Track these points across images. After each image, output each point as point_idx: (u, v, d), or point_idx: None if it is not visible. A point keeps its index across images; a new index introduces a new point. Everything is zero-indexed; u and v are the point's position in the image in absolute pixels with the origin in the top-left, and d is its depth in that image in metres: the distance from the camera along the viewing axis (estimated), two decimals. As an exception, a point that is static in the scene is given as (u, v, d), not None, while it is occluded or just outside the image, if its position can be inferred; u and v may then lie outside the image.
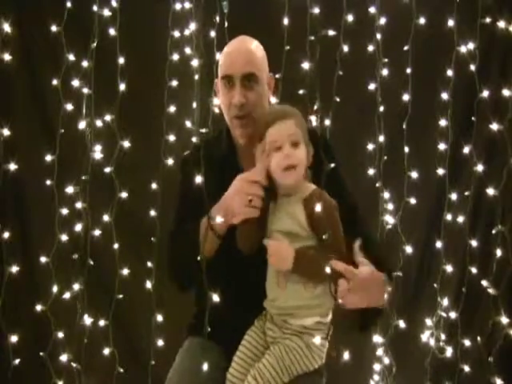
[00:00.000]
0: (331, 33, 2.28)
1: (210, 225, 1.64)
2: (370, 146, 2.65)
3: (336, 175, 1.77)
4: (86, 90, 2.53)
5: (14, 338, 2.37)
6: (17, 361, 2.39)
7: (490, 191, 2.31)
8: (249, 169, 1.82)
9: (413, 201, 2.67)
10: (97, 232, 2.63)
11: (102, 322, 2.60)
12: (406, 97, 2.59)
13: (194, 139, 2.59)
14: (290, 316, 1.64)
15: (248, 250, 1.70)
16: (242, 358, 1.67)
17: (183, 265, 1.77)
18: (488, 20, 2.57)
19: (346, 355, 2.40)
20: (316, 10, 2.22)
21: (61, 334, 2.55)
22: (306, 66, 2.03)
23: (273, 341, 1.67)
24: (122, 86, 2.49)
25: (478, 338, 2.60)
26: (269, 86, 1.87)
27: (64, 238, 2.52)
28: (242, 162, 1.86)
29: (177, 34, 2.58)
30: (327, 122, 2.40)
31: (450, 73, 2.58)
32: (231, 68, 1.80)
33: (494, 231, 2.38)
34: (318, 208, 1.55)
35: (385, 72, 2.59)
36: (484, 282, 2.54)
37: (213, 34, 2.37)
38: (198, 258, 1.61)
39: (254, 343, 1.70)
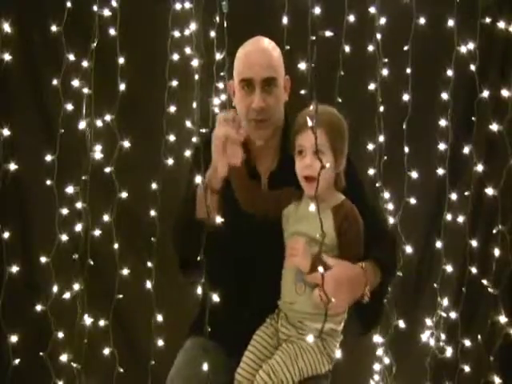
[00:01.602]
0: (331, 33, 2.28)
1: (205, 185, 1.62)
2: (370, 146, 2.65)
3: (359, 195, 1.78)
4: (86, 90, 2.54)
5: (14, 338, 2.37)
6: (17, 361, 2.39)
7: (490, 191, 2.31)
8: (261, 166, 1.84)
9: (413, 201, 2.67)
10: (97, 232, 2.64)
11: (102, 322, 2.60)
12: (405, 97, 2.59)
13: (194, 139, 2.59)
14: (307, 319, 1.64)
15: (250, 207, 1.69)
16: (252, 359, 1.67)
17: (188, 242, 1.69)
18: (488, 20, 2.57)
19: (346, 355, 2.41)
20: (316, 10, 2.22)
21: (61, 334, 2.55)
22: (305, 66, 2.03)
23: (287, 338, 1.66)
24: (122, 86, 2.49)
25: (479, 337, 2.59)
26: (285, 88, 1.85)
27: (64, 238, 2.52)
28: (254, 157, 1.85)
29: (177, 34, 2.58)
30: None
31: (450, 73, 2.57)
32: (251, 71, 1.77)
33: (494, 231, 2.38)
34: (347, 218, 1.59)
35: (385, 72, 2.59)
36: (484, 281, 2.54)
37: (213, 33, 2.38)
38: (198, 258, 1.60)
39: (264, 343, 1.69)
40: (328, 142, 1.60)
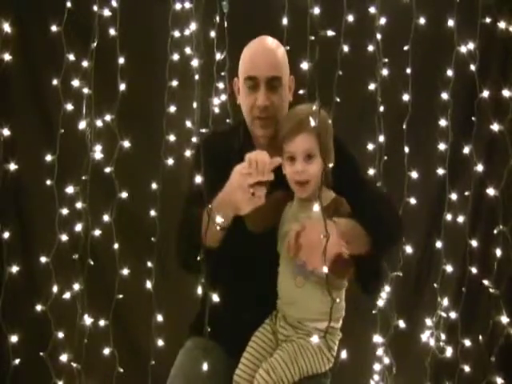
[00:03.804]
0: (331, 33, 2.28)
1: (210, 217, 1.58)
2: (370, 146, 2.64)
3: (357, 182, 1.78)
4: (86, 90, 2.53)
5: (14, 338, 2.38)
6: (17, 361, 2.40)
7: (491, 191, 2.31)
8: None
9: (413, 201, 2.67)
10: (97, 232, 2.64)
11: (102, 322, 2.60)
12: (405, 97, 2.59)
13: (194, 139, 2.59)
14: (306, 319, 1.64)
15: (260, 231, 1.68)
16: (250, 360, 1.67)
17: (189, 251, 1.69)
18: (488, 20, 2.57)
19: (346, 355, 2.41)
20: (316, 10, 2.22)
21: (61, 334, 2.55)
22: (305, 66, 2.03)
23: (285, 339, 1.67)
24: (122, 86, 2.49)
25: (480, 338, 2.59)
26: (289, 87, 1.88)
27: (64, 238, 2.52)
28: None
29: (177, 34, 2.58)
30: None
31: (450, 73, 2.57)
32: (256, 70, 1.79)
33: (495, 231, 2.38)
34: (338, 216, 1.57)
35: (385, 72, 2.58)
36: (485, 282, 2.54)
37: (213, 34, 2.38)
38: (198, 258, 1.60)
39: (262, 345, 1.69)
40: (318, 144, 1.61)
